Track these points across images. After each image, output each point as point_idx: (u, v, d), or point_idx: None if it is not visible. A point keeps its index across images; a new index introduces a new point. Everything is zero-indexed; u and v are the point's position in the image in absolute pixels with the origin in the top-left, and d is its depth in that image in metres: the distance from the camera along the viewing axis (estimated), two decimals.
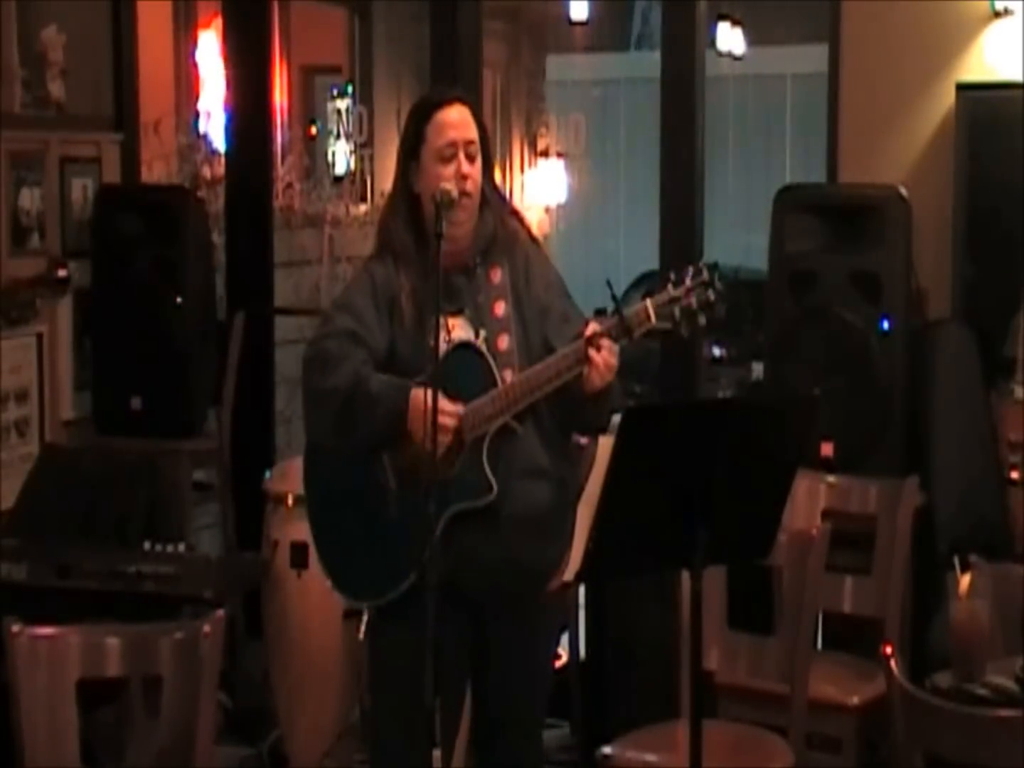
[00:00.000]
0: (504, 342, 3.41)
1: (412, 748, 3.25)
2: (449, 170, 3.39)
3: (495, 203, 3.50)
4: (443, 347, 3.34)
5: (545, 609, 3.58)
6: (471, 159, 3.42)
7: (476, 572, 3.36)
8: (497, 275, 3.46)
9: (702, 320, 3.30)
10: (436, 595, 3.07)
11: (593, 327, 3.30)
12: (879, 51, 5.11)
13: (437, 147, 3.40)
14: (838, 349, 4.75)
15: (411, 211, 3.46)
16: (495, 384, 3.37)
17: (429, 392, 3.21)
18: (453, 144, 3.40)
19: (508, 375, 3.38)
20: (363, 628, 3.50)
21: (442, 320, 3.35)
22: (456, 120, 3.42)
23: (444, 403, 3.26)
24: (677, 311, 3.29)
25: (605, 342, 3.28)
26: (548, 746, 5.09)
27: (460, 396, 3.35)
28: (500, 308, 3.43)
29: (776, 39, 13.52)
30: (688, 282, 3.29)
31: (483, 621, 3.47)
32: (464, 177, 3.40)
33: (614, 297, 3.31)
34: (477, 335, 3.41)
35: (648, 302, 3.30)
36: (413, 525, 3.27)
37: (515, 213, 3.59)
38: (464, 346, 3.39)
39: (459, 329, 3.41)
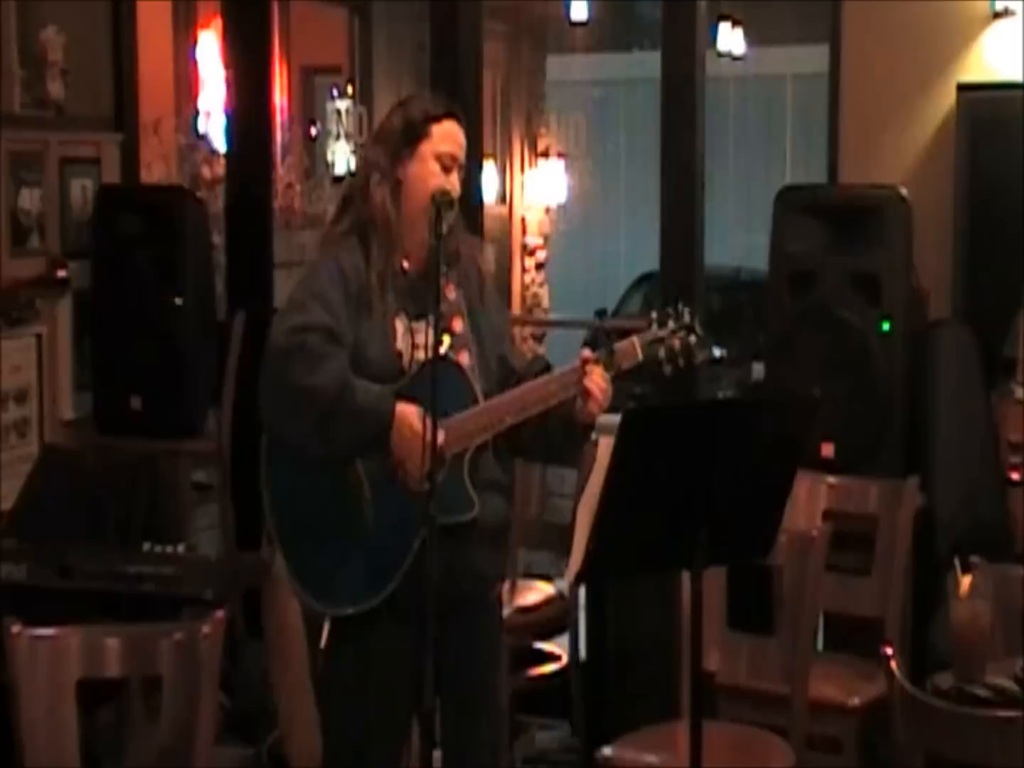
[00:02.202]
0: (465, 358, 3.40)
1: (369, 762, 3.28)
2: (444, 178, 3.40)
3: (458, 227, 3.48)
4: (408, 353, 3.33)
5: (495, 615, 3.57)
6: (459, 179, 3.44)
7: (446, 581, 3.24)
8: (451, 291, 3.44)
9: (681, 363, 3.39)
10: (427, 600, 3.05)
11: (586, 354, 3.33)
12: (879, 51, 5.11)
13: (439, 151, 3.40)
14: (838, 349, 4.75)
15: (397, 190, 3.43)
16: (474, 400, 3.35)
17: (414, 409, 3.21)
18: (453, 157, 3.42)
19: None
20: (324, 637, 3.44)
21: (405, 324, 3.36)
22: (459, 138, 3.45)
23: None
24: (662, 351, 3.37)
25: (597, 369, 3.31)
26: (548, 747, 5.12)
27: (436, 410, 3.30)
28: (458, 325, 3.43)
29: (776, 39, 13.53)
30: (671, 324, 3.38)
31: (439, 629, 3.41)
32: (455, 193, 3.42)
33: (607, 333, 3.39)
34: (440, 342, 3.35)
35: (635, 339, 3.38)
36: (389, 534, 3.26)
37: (475, 240, 3.64)
38: (442, 360, 3.31)
39: (423, 334, 3.31)
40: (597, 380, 3.30)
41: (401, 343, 3.36)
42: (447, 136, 3.42)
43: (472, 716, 3.49)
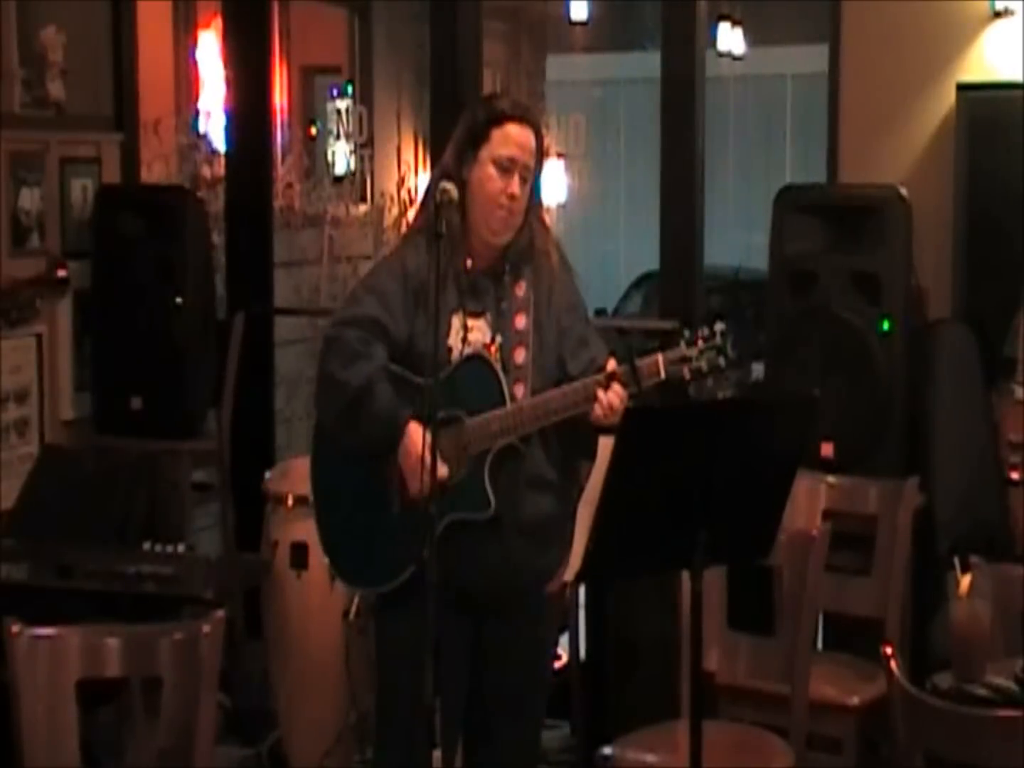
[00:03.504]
0: (520, 356, 3.44)
1: (416, 741, 3.26)
2: (502, 182, 3.43)
3: (535, 226, 3.53)
4: (459, 348, 3.40)
5: (543, 611, 3.60)
6: (523, 182, 3.46)
7: (477, 574, 3.39)
8: (521, 289, 3.50)
9: (710, 383, 3.40)
10: (436, 595, 3.07)
11: (611, 367, 3.34)
12: (879, 51, 5.11)
13: (497, 154, 3.44)
14: (838, 349, 4.75)
15: (462, 192, 3.46)
16: (503, 401, 3.39)
17: (425, 433, 3.21)
18: (513, 160, 3.44)
19: (519, 389, 3.42)
20: (353, 610, 3.54)
21: (461, 320, 3.42)
22: (523, 141, 3.46)
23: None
24: (687, 370, 3.34)
25: (616, 386, 3.31)
26: (548, 746, 5.10)
27: (466, 407, 3.38)
28: (521, 321, 3.47)
29: (776, 39, 13.53)
30: (701, 344, 3.35)
31: (482, 621, 3.48)
32: (512, 197, 3.44)
33: (631, 352, 3.36)
34: (493, 340, 3.43)
35: (660, 357, 3.35)
36: (412, 523, 3.29)
37: (551, 238, 3.63)
38: (478, 358, 3.41)
39: (477, 331, 3.44)
40: (601, 394, 3.30)
41: (453, 339, 3.41)
42: (506, 139, 3.44)
43: (492, 714, 3.53)
